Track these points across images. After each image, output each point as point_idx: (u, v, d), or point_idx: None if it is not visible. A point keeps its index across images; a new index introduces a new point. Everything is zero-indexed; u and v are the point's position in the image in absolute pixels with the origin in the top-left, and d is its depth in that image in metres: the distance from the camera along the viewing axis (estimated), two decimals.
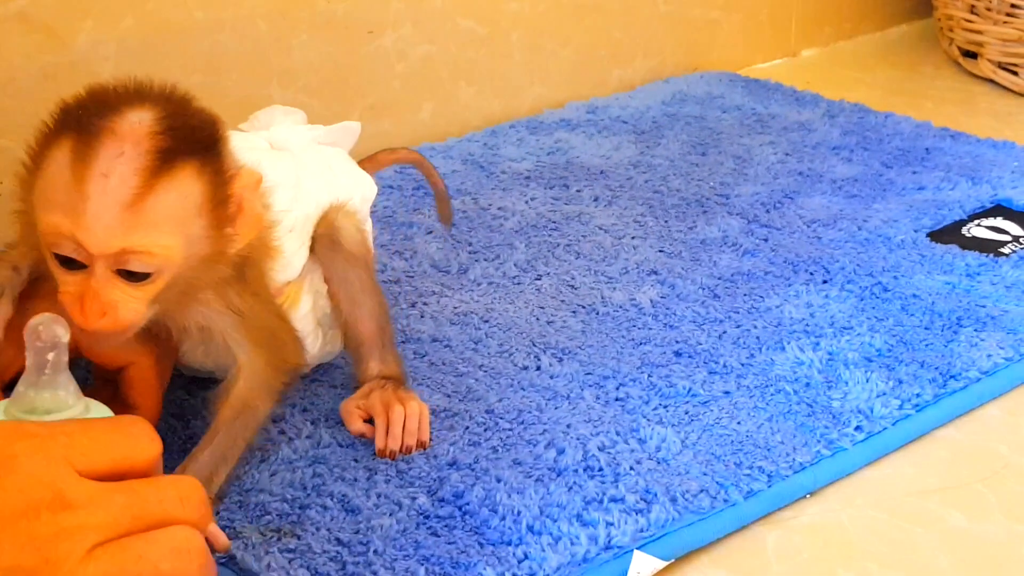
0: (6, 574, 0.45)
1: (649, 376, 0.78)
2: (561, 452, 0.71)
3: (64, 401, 0.53)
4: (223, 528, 0.65)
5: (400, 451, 0.70)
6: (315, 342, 0.74)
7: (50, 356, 0.52)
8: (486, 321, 0.84)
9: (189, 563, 0.48)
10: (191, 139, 0.59)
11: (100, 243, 0.57)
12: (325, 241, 0.72)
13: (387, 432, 0.71)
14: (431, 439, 0.71)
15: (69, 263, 0.58)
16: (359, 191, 0.76)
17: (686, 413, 0.75)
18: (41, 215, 0.58)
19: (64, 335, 0.52)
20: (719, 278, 0.90)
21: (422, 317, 0.85)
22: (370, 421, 0.72)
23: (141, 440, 0.50)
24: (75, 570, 0.46)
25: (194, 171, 0.59)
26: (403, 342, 0.81)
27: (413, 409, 0.71)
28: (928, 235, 0.96)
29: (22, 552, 0.45)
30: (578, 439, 0.72)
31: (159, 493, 0.49)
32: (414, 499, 0.67)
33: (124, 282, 0.58)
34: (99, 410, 0.54)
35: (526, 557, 0.63)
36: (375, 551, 0.63)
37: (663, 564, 0.64)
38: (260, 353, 0.66)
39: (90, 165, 0.57)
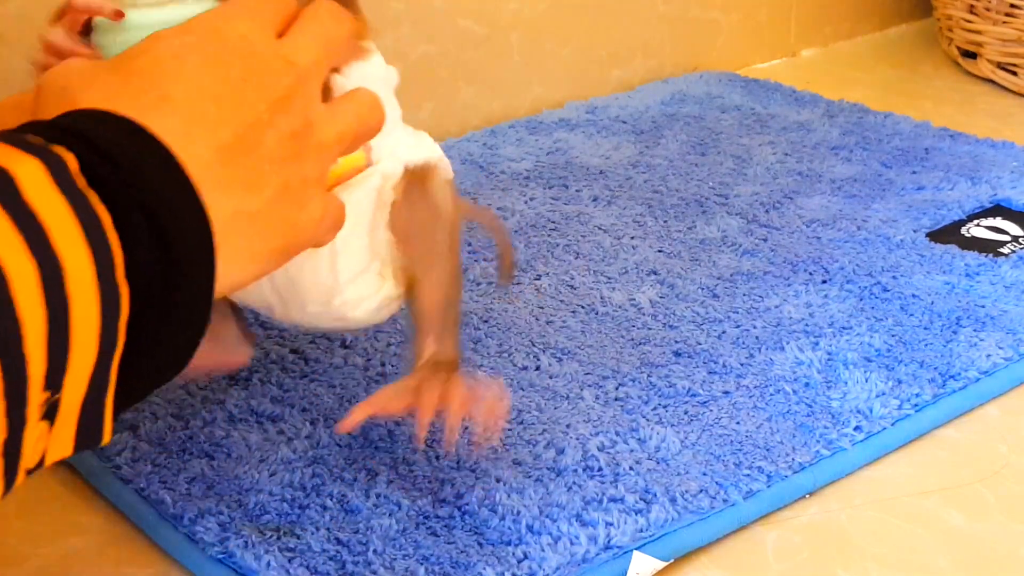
0: (290, 140, 0.51)
1: (648, 376, 0.78)
2: (561, 452, 0.71)
3: None
4: (220, 526, 0.65)
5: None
6: (377, 289, 0.67)
7: None
8: (485, 321, 0.84)
9: (382, 114, 0.56)
10: None
11: None
12: (418, 174, 0.67)
13: (429, 421, 0.65)
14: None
15: None
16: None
17: (685, 413, 0.75)
18: None
19: None
20: (718, 278, 0.90)
21: None
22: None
23: None
24: (322, 127, 0.53)
25: None
26: (402, 342, 0.82)
27: (477, 408, 0.66)
28: (927, 235, 0.97)
29: (291, 116, 0.51)
30: (578, 439, 0.72)
31: (322, 24, 0.55)
32: (414, 499, 0.67)
33: None
34: None
35: (526, 557, 0.63)
36: (375, 551, 0.63)
37: (662, 564, 0.64)
38: None
39: None
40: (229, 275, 0.49)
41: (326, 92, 0.59)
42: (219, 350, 0.68)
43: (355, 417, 0.65)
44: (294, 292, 0.66)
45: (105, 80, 0.49)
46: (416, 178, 0.67)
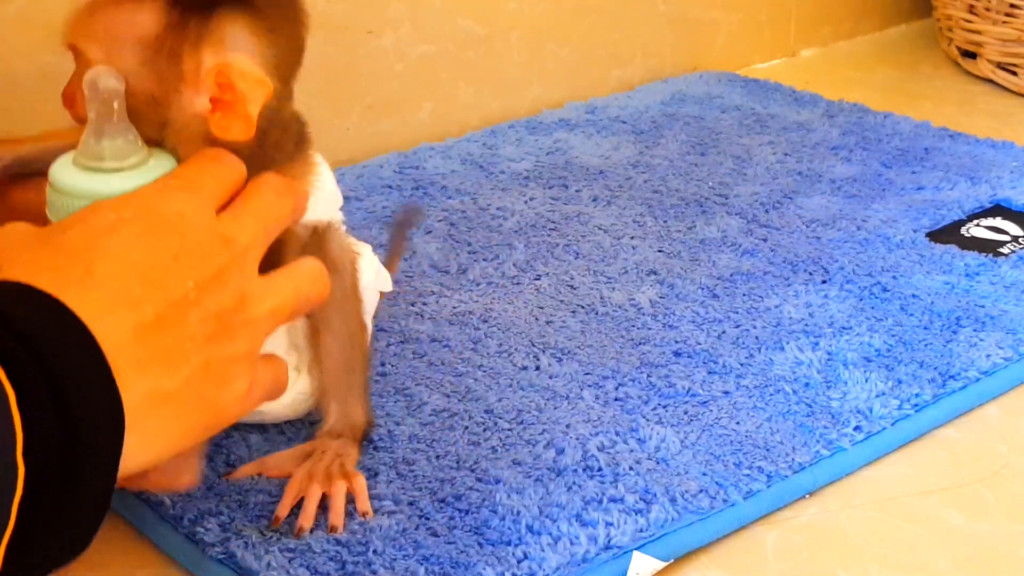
0: (215, 320, 0.51)
1: (648, 376, 0.78)
2: (560, 452, 0.71)
3: (131, 147, 0.56)
4: (220, 527, 0.65)
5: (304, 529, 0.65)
6: (291, 382, 0.69)
7: (116, 104, 0.55)
8: (485, 321, 0.84)
9: (324, 287, 0.58)
10: None
11: (67, 36, 0.59)
12: (318, 231, 0.67)
13: (292, 502, 0.66)
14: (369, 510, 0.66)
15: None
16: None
17: (685, 413, 0.75)
18: None
19: (121, 84, 0.56)
20: (718, 278, 0.90)
21: (421, 317, 0.85)
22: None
23: (236, 164, 0.56)
24: (256, 303, 0.53)
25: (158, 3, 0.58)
26: (402, 342, 0.82)
27: (338, 489, 0.66)
28: (927, 235, 0.96)
29: (221, 295, 0.51)
30: (577, 439, 0.72)
31: (264, 200, 0.55)
32: (414, 499, 0.67)
33: None
34: (160, 154, 0.57)
35: (526, 557, 0.63)
36: (375, 551, 0.63)
37: (662, 564, 0.64)
38: None
39: None
40: (139, 455, 0.48)
41: (284, 244, 0.60)
42: (169, 473, 0.68)
43: (242, 472, 0.68)
44: None
45: (36, 251, 0.49)
46: (316, 235, 0.67)
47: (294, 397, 0.70)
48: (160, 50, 0.58)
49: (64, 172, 0.56)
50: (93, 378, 0.46)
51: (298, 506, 0.66)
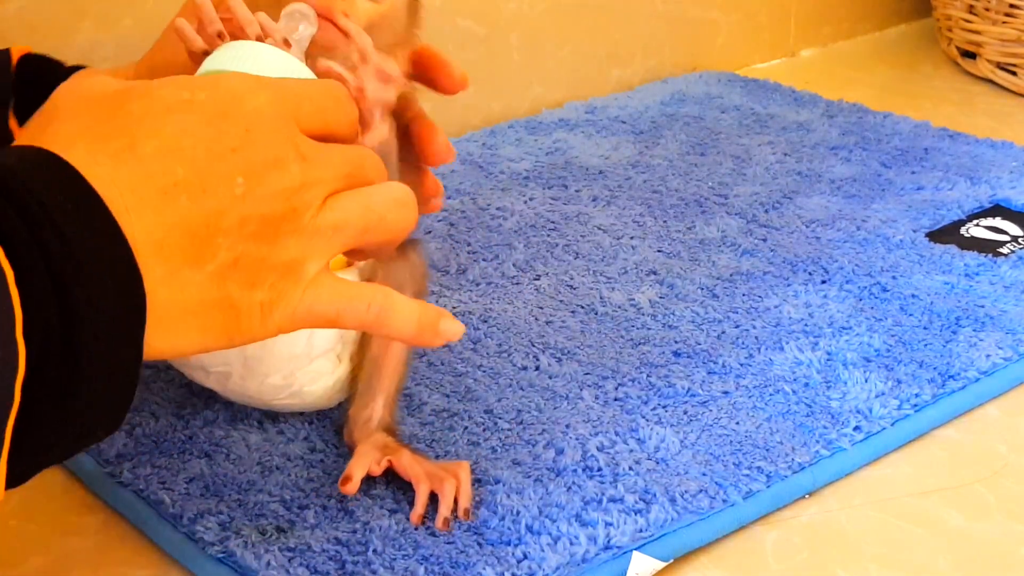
0: (259, 222, 0.48)
1: (648, 376, 0.78)
2: (560, 452, 0.71)
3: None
4: (220, 526, 0.65)
5: (454, 516, 0.66)
6: (333, 368, 0.71)
7: (295, 35, 0.56)
8: (485, 321, 0.84)
9: (410, 215, 0.52)
10: None
11: None
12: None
13: (424, 501, 0.66)
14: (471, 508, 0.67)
15: None
16: None
17: (685, 413, 0.75)
18: None
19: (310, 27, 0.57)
20: (718, 278, 0.90)
21: None
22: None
23: (347, 105, 0.53)
24: (314, 218, 0.49)
25: None
26: None
27: (464, 480, 0.67)
28: (927, 235, 0.96)
29: (274, 201, 0.48)
30: (577, 439, 0.72)
31: (363, 156, 0.52)
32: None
33: None
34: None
35: (525, 557, 0.63)
36: (374, 551, 0.63)
37: (662, 564, 0.64)
38: None
39: None
40: (151, 344, 0.46)
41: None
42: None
43: (356, 481, 0.66)
44: (262, 359, 0.69)
45: (91, 114, 0.47)
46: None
47: (334, 381, 0.71)
48: (405, 13, 0.68)
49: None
50: (102, 254, 0.44)
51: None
